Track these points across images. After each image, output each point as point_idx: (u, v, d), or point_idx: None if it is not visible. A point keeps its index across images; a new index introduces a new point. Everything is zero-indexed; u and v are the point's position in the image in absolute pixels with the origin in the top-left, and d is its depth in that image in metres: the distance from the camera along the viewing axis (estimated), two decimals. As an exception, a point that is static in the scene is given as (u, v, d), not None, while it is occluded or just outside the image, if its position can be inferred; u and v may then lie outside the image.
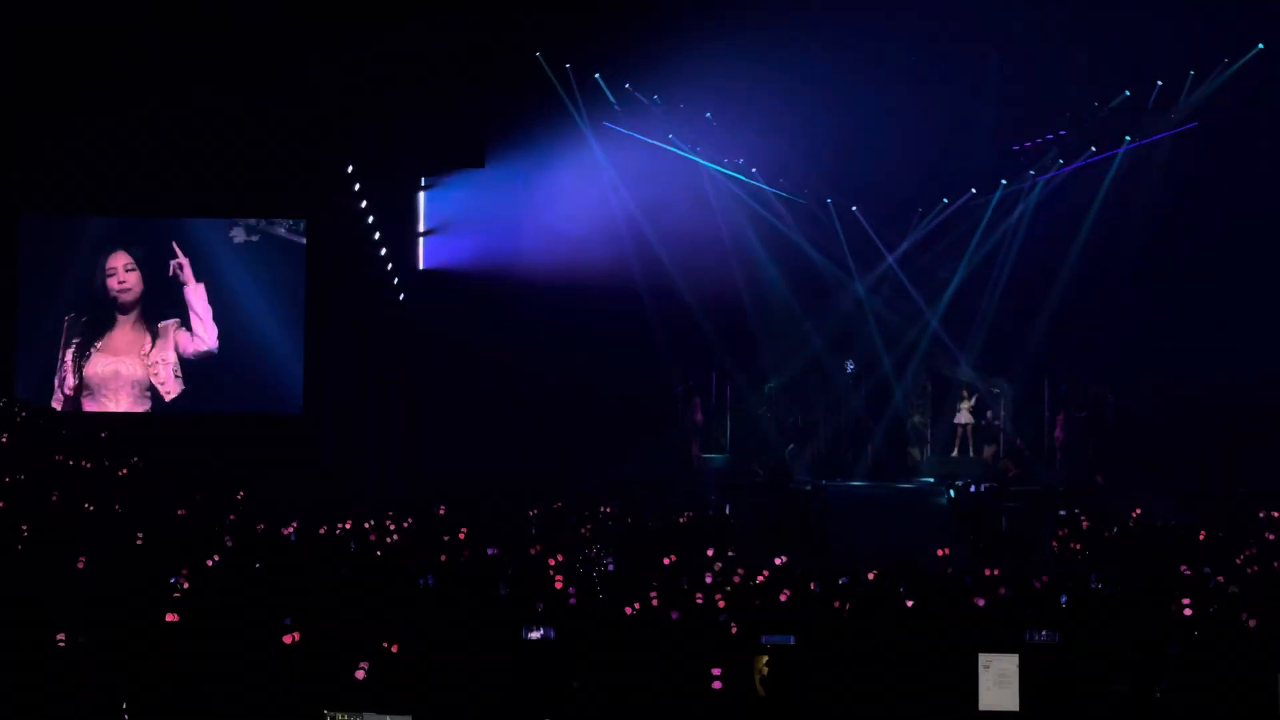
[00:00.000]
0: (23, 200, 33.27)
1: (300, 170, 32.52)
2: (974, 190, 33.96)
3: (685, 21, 30.37)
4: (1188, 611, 16.02)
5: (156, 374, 33.28)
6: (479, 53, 30.93)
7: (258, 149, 31.85)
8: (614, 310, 33.19)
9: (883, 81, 30.94)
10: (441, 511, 26.59)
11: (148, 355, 33.34)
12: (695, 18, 30.39)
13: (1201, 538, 24.76)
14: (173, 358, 33.30)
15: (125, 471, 28.09)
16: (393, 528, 24.35)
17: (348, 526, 24.11)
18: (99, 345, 33.32)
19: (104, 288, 33.45)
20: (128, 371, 33.27)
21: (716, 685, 11.90)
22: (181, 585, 17.03)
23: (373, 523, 24.46)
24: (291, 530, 23.59)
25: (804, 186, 34.35)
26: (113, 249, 33.42)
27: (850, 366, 34.08)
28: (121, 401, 33.15)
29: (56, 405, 32.87)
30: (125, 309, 33.48)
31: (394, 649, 13.27)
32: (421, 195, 34.44)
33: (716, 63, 30.70)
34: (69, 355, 33.20)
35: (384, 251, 33.90)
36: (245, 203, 33.39)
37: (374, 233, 33.71)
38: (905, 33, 30.90)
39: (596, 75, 32.49)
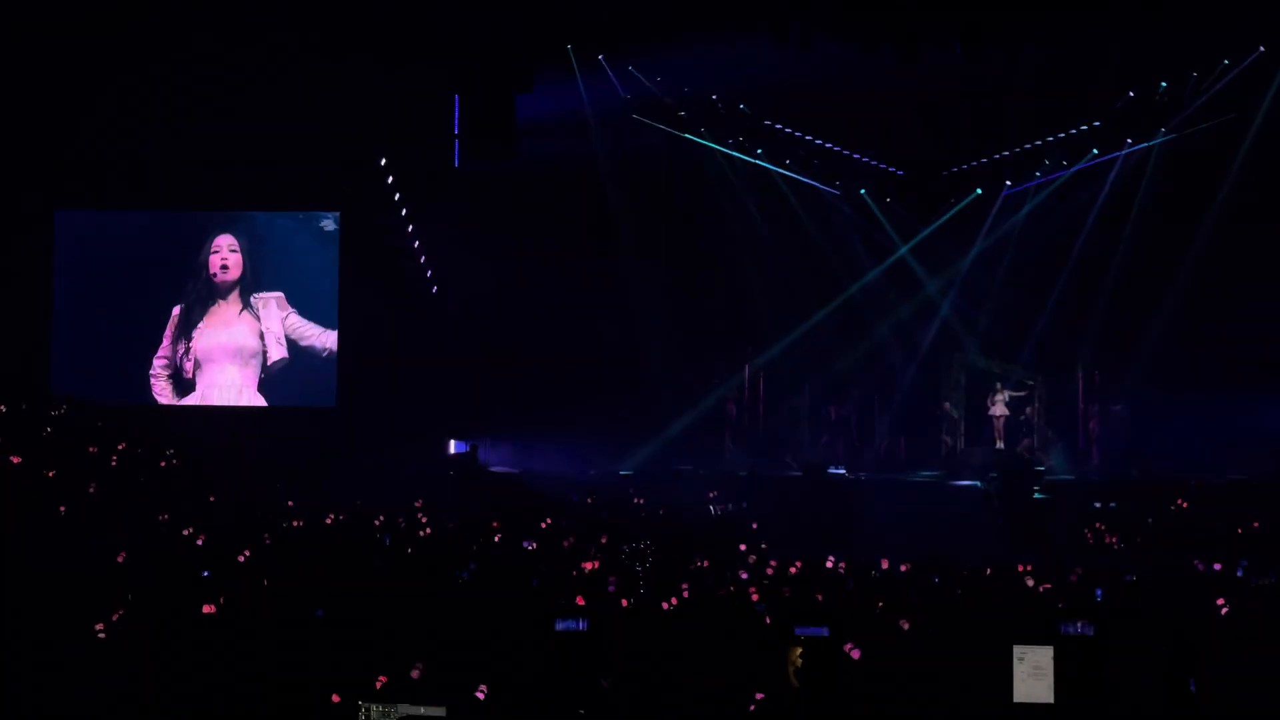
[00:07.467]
0: (59, 196, 33.36)
1: (335, 163, 32.46)
2: (1009, 183, 33.77)
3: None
4: (1224, 609, 15.97)
5: (258, 346, 33.47)
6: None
7: (292, 142, 31.77)
8: (636, 306, 33.22)
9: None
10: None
11: (251, 326, 33.49)
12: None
13: (1240, 533, 24.64)
14: (277, 327, 33.39)
15: (163, 463, 28.24)
16: (425, 520, 24.39)
17: (380, 521, 24.18)
18: (203, 325, 33.40)
19: (206, 266, 33.54)
20: (232, 344, 33.42)
21: (759, 696, 11.94)
22: (217, 578, 17.15)
23: (405, 521, 24.49)
24: (328, 523, 23.70)
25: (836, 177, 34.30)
26: (216, 233, 33.54)
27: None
28: (229, 373, 33.35)
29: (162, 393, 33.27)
30: (225, 290, 33.58)
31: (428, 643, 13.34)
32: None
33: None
34: (182, 342, 33.38)
35: (417, 244, 33.87)
36: (280, 195, 33.40)
37: (408, 225, 33.70)
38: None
39: (630, 67, 32.38)
